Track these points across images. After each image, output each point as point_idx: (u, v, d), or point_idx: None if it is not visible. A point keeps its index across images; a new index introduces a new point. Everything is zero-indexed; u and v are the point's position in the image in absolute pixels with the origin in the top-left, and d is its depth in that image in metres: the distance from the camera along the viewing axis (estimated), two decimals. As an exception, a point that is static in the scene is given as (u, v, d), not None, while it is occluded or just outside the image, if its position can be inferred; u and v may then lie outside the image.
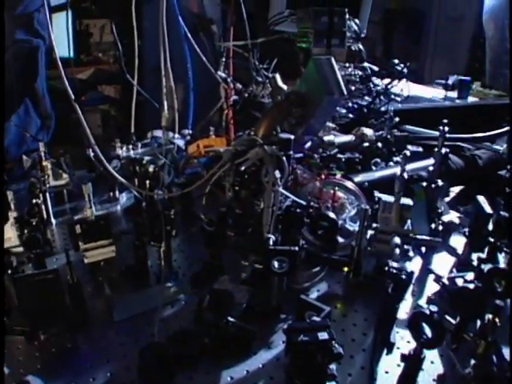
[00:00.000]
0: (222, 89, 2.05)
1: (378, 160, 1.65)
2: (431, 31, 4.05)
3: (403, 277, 1.18)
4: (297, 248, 1.11)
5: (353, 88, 1.76)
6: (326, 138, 1.63)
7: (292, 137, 1.19)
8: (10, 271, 1.22)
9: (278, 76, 1.69)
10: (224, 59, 1.88)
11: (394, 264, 1.23)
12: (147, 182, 1.52)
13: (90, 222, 1.22)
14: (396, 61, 1.86)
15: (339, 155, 1.59)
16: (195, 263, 1.36)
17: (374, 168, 1.65)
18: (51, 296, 1.12)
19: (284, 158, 1.13)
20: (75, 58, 3.53)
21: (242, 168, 1.19)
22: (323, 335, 0.91)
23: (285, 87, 1.67)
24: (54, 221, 1.67)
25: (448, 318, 1.07)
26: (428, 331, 0.93)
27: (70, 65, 3.17)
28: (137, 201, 1.62)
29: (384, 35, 4.03)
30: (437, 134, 1.56)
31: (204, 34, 2.60)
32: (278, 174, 1.12)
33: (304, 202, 1.24)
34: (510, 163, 1.75)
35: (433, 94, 2.68)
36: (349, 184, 1.36)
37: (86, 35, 3.76)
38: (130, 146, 1.76)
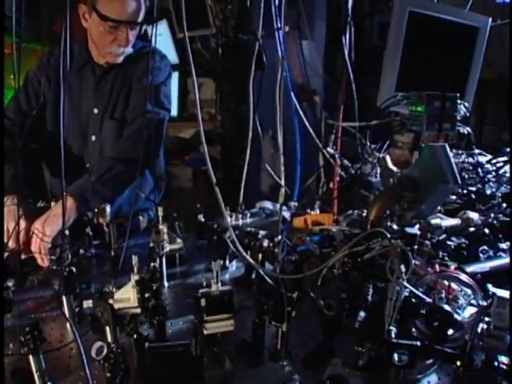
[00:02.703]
0: (322, 160, 2.12)
1: (486, 248, 1.64)
2: (526, 101, 3.98)
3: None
4: (418, 343, 1.13)
5: (466, 176, 1.78)
6: (433, 222, 1.65)
7: (418, 232, 1.22)
8: (135, 336, 1.30)
9: (388, 157, 1.74)
10: (333, 136, 1.95)
11: (504, 359, 1.22)
12: (260, 255, 1.61)
13: (215, 296, 1.29)
14: (508, 149, 1.87)
15: (448, 242, 1.60)
16: (307, 342, 1.39)
17: (481, 255, 1.64)
18: (176, 366, 1.19)
19: (409, 253, 1.16)
20: (178, 116, 3.77)
21: (365, 257, 1.24)
22: None
23: (394, 169, 1.72)
24: (166, 284, 1.71)
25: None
26: None
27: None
28: (247, 272, 1.70)
29: (477, 104, 3.99)
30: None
31: (307, 104, 2.71)
32: (403, 267, 1.15)
33: (425, 297, 1.26)
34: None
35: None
36: (464, 277, 1.37)
37: (185, 93, 4.00)
38: (240, 216, 1.85)
